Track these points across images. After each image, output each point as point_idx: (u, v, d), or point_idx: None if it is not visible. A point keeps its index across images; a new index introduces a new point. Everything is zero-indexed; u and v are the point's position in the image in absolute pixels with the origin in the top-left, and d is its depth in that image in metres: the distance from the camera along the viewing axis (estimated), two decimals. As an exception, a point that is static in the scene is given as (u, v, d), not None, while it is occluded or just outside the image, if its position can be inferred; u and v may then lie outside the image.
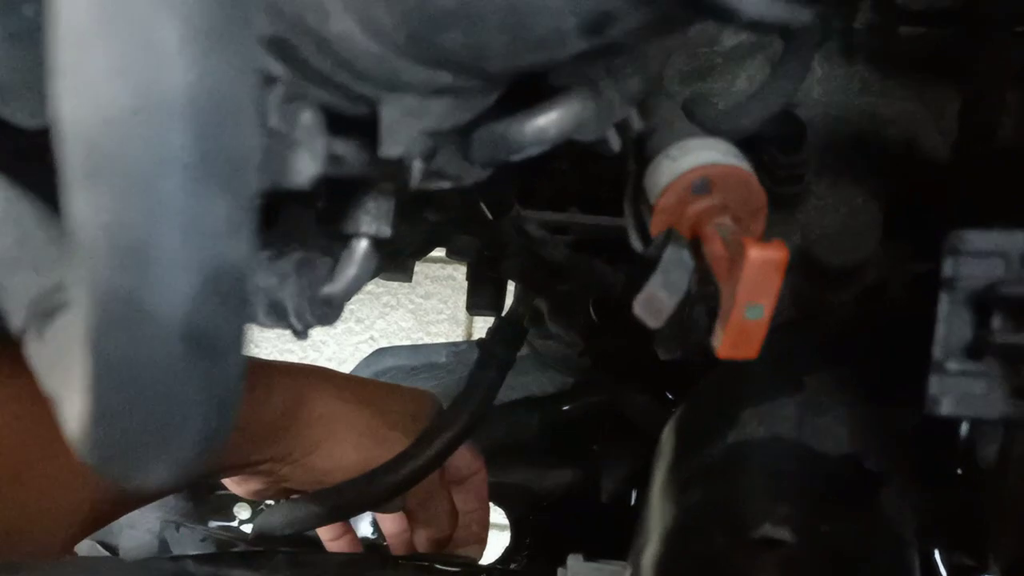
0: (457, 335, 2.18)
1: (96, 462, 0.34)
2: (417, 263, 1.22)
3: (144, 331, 0.28)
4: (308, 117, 0.46)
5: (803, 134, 1.09)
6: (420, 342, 2.18)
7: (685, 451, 0.69)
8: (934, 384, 0.52)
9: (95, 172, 0.27)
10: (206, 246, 0.28)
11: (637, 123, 0.67)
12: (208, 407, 0.31)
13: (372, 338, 2.19)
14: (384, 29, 0.41)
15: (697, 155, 0.67)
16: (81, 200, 0.27)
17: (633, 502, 1.55)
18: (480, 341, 1.29)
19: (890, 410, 0.73)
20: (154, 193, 0.27)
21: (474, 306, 1.31)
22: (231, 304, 0.29)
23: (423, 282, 2.21)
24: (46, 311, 0.41)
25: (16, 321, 0.44)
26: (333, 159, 0.49)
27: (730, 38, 1.08)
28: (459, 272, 2.01)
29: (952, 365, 0.51)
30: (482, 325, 1.28)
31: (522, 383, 1.60)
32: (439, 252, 1.36)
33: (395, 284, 2.19)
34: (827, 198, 1.13)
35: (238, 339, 0.30)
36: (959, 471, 0.75)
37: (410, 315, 2.23)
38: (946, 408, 0.51)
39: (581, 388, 1.58)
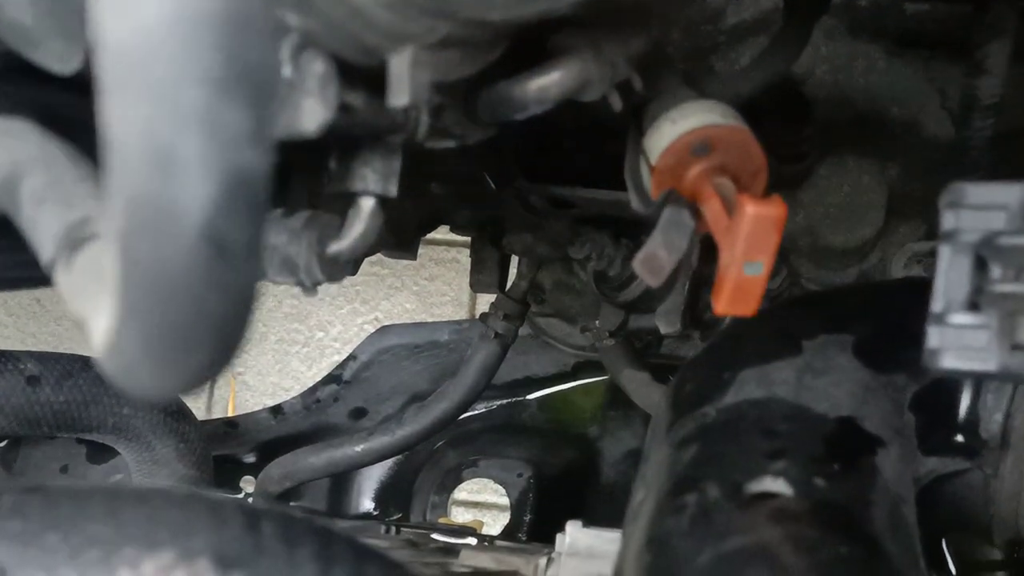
0: (461, 317, 2.19)
1: (121, 370, 0.35)
2: (422, 246, 1.23)
3: (169, 232, 0.30)
4: (320, 66, 0.47)
5: (808, 111, 1.09)
6: (424, 323, 2.19)
7: (682, 411, 0.69)
8: (934, 337, 0.52)
9: (129, 82, 0.28)
10: (228, 153, 0.29)
11: (639, 84, 0.67)
12: (226, 308, 0.31)
13: (377, 319, 2.20)
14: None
15: (697, 117, 0.67)
16: (116, 108, 0.29)
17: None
18: (482, 316, 1.30)
19: (889, 375, 0.73)
20: (182, 101, 0.28)
21: (478, 283, 1.32)
22: (250, 210, 0.30)
23: (428, 264, 2.22)
24: (74, 242, 0.43)
25: (46, 253, 0.45)
26: (343, 108, 0.49)
27: (733, 16, 1.08)
28: (463, 255, 2.01)
29: (952, 318, 0.51)
30: (486, 306, 1.29)
31: (523, 362, 1.61)
32: (444, 235, 1.37)
33: (400, 266, 2.19)
34: (831, 177, 1.13)
35: (255, 245, 0.31)
36: (960, 439, 0.75)
37: (414, 297, 2.23)
38: (946, 361, 0.51)
39: (581, 368, 1.58)
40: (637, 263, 0.65)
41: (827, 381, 0.68)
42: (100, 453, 1.59)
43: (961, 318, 0.51)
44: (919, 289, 0.68)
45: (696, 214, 0.66)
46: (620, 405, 1.57)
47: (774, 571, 0.48)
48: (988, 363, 0.50)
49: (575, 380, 1.62)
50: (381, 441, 1.33)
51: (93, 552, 0.41)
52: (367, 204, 0.65)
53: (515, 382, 1.62)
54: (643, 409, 1.35)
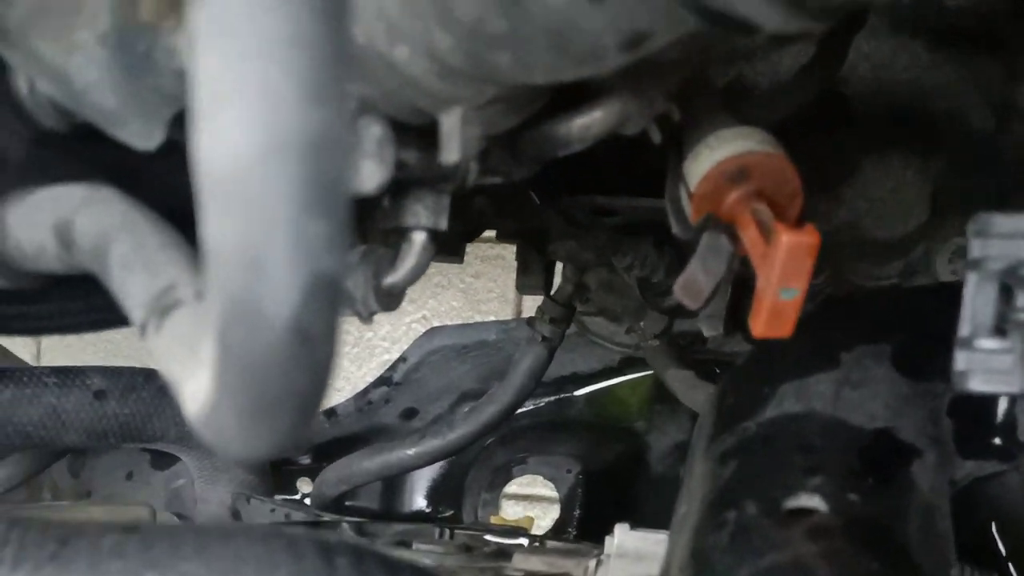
0: (507, 314, 2.22)
1: (216, 437, 0.40)
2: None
3: (261, 328, 0.35)
4: (377, 130, 0.51)
5: (847, 110, 1.11)
6: (470, 321, 2.22)
7: (724, 425, 0.72)
8: (961, 360, 0.55)
9: (225, 201, 0.33)
10: (310, 260, 0.33)
11: (677, 115, 0.70)
12: (309, 387, 0.36)
13: (424, 317, 2.24)
14: (442, 53, 0.45)
15: (734, 144, 0.70)
16: (213, 224, 0.34)
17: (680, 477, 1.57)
18: (529, 320, 1.33)
19: (926, 383, 0.75)
20: (271, 218, 0.33)
21: (523, 286, 1.35)
22: (330, 305, 0.35)
23: (473, 262, 2.25)
24: (162, 308, 0.47)
25: (136, 318, 0.49)
26: (398, 165, 0.53)
27: (771, 24, 1.10)
28: (508, 252, 2.04)
29: (979, 343, 0.54)
30: (531, 303, 1.32)
31: (569, 359, 1.63)
32: (489, 232, 1.40)
33: (446, 265, 2.23)
34: (874, 172, 1.15)
35: (334, 332, 0.36)
36: (997, 442, 0.77)
37: (461, 295, 2.26)
38: (973, 384, 0.54)
39: (627, 363, 1.61)
40: (677, 287, 0.68)
41: (864, 393, 0.70)
42: (163, 460, 1.65)
43: (987, 343, 0.54)
44: (955, 294, 0.71)
45: (734, 238, 0.69)
46: (666, 400, 1.58)
47: (810, 587, 0.51)
48: (1012, 385, 0.53)
49: (621, 376, 1.64)
50: (433, 444, 1.38)
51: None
52: (419, 238, 0.69)
53: (562, 379, 1.65)
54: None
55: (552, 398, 1.66)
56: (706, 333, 1.12)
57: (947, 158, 1.15)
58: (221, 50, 0.31)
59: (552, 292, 1.32)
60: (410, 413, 1.70)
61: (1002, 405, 0.78)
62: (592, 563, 0.92)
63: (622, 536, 0.93)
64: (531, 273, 1.33)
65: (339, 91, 0.32)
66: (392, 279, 0.70)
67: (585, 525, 1.57)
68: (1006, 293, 0.55)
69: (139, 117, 0.54)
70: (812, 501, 0.57)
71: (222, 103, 0.31)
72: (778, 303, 0.63)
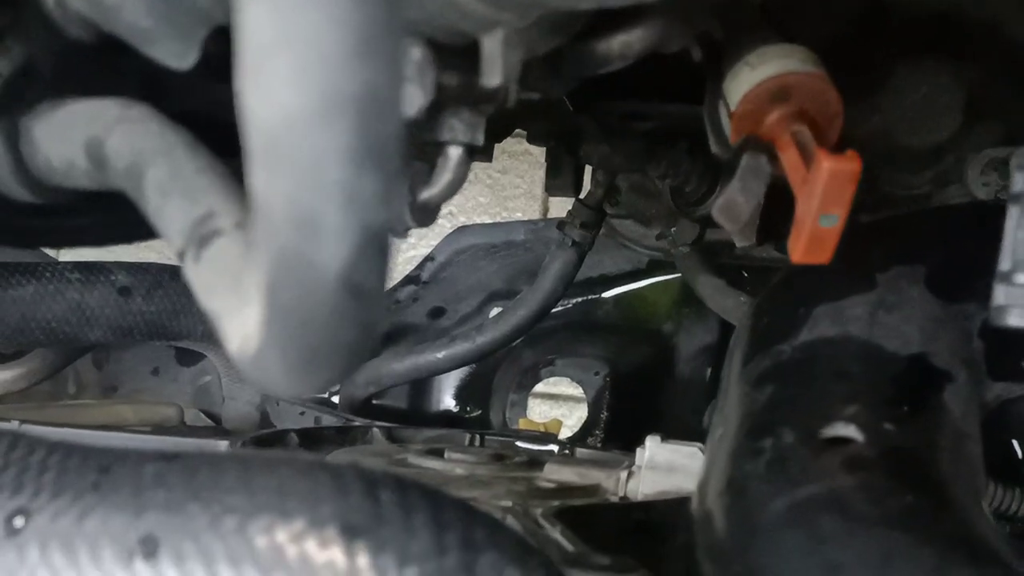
0: (534, 210, 2.21)
1: (261, 377, 0.41)
2: (494, 138, 1.25)
3: (313, 283, 0.35)
4: (417, 53, 0.50)
5: (883, 18, 1.09)
6: (497, 217, 2.21)
7: (759, 346, 0.72)
8: (1000, 295, 0.55)
9: (275, 158, 0.33)
10: (362, 216, 0.34)
11: (718, 31, 0.69)
12: (358, 338, 0.37)
13: (451, 212, 2.23)
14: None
15: (775, 63, 0.69)
16: (263, 180, 0.33)
17: (707, 379, 1.58)
18: (559, 223, 1.33)
19: (959, 305, 0.75)
20: (322, 175, 0.33)
21: (553, 187, 1.34)
22: (380, 259, 0.35)
23: (500, 157, 2.23)
24: (201, 237, 0.47)
25: (174, 245, 0.49)
26: (439, 88, 0.53)
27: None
28: (536, 147, 2.03)
29: (1019, 277, 0.54)
30: (559, 201, 1.31)
31: (598, 260, 1.62)
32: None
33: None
34: (908, 78, 1.13)
35: (383, 286, 0.36)
36: (1029, 364, 0.77)
37: (488, 190, 2.26)
38: (1012, 319, 0.54)
39: (655, 267, 1.60)
40: (716, 209, 0.67)
41: (899, 317, 0.70)
42: (189, 356, 1.66)
43: (1024, 278, 0.54)
44: (991, 214, 0.70)
45: (774, 159, 0.68)
46: (694, 301, 1.57)
47: (845, 520, 0.52)
48: (1053, 321, 0.53)
49: (649, 277, 1.64)
50: (462, 347, 1.39)
51: (231, 521, 0.45)
52: (455, 153, 0.68)
53: (590, 280, 1.64)
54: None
55: (580, 299, 1.66)
56: (738, 244, 1.12)
57: (982, 65, 1.13)
58: (268, 2, 0.30)
59: (582, 196, 1.31)
60: (438, 312, 1.70)
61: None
62: (623, 474, 0.93)
63: (653, 448, 0.94)
64: (561, 175, 1.32)
65: (392, 43, 0.31)
66: (428, 194, 0.70)
67: (612, 427, 1.58)
68: (1050, 227, 0.54)
69: (173, 36, 0.53)
70: (848, 431, 0.57)
71: (270, 56, 0.31)
72: (818, 229, 0.62)
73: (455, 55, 0.55)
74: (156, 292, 1.44)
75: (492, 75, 0.54)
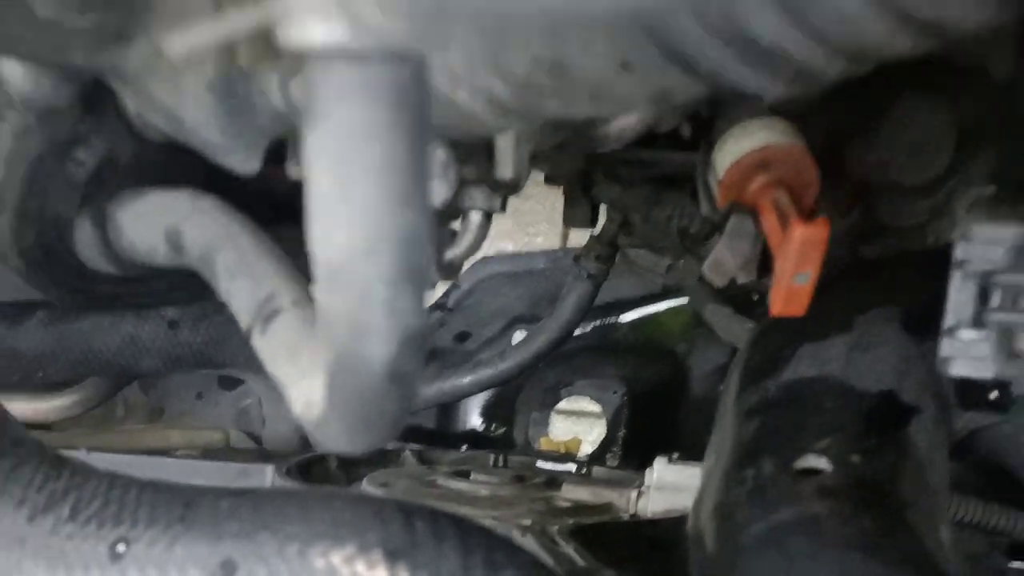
0: (555, 235, 2.29)
1: (321, 436, 0.52)
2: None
3: (365, 373, 0.45)
4: (441, 154, 0.60)
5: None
6: (520, 241, 2.30)
7: (749, 380, 0.82)
8: (946, 347, 0.64)
9: (335, 283, 0.43)
10: (402, 323, 0.44)
11: (705, 109, 0.79)
12: (399, 411, 0.47)
13: (475, 238, 2.31)
14: (497, 98, 0.54)
15: (758, 136, 0.79)
16: (326, 298, 0.43)
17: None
18: (575, 257, 1.42)
19: (931, 342, 0.84)
20: (371, 297, 0.42)
21: (570, 219, 1.43)
22: (417, 352, 0.45)
23: (521, 183, 2.31)
24: (266, 315, 0.57)
25: (242, 322, 0.60)
26: (460, 180, 0.63)
27: None
28: (555, 176, 2.10)
29: (960, 333, 0.63)
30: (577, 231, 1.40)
31: (614, 286, 1.70)
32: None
33: (495, 189, 2.29)
34: (904, 116, 1.21)
35: (419, 372, 0.45)
36: (993, 396, 0.86)
37: (509, 218, 2.34)
38: (954, 369, 0.64)
39: (669, 292, 1.68)
40: (706, 267, 0.77)
41: (873, 356, 0.80)
42: (230, 380, 1.74)
43: (967, 334, 0.63)
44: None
45: (758, 221, 0.78)
46: (706, 324, 1.66)
47: (811, 542, 0.61)
48: (987, 372, 0.62)
49: (663, 301, 1.72)
50: (486, 373, 1.49)
51: (294, 546, 0.56)
52: (476, 218, 0.78)
53: (607, 305, 1.72)
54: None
55: (598, 323, 1.74)
56: (739, 282, 1.21)
57: (972, 105, 1.21)
58: (329, 171, 0.40)
59: (597, 230, 1.40)
60: (463, 336, 1.78)
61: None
62: (634, 494, 1.03)
63: (661, 469, 1.03)
64: (577, 210, 1.41)
65: (422, 198, 0.41)
66: (452, 254, 0.80)
67: (630, 443, 1.66)
68: (983, 292, 0.63)
69: (240, 148, 0.63)
70: (819, 462, 0.67)
71: (331, 210, 0.41)
72: (793, 287, 0.72)
73: (473, 151, 0.65)
74: (201, 324, 1.53)
75: (505, 168, 0.64)
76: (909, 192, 1.26)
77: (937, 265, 0.95)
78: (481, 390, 1.55)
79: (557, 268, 1.75)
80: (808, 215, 0.75)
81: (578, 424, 1.88)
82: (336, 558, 0.55)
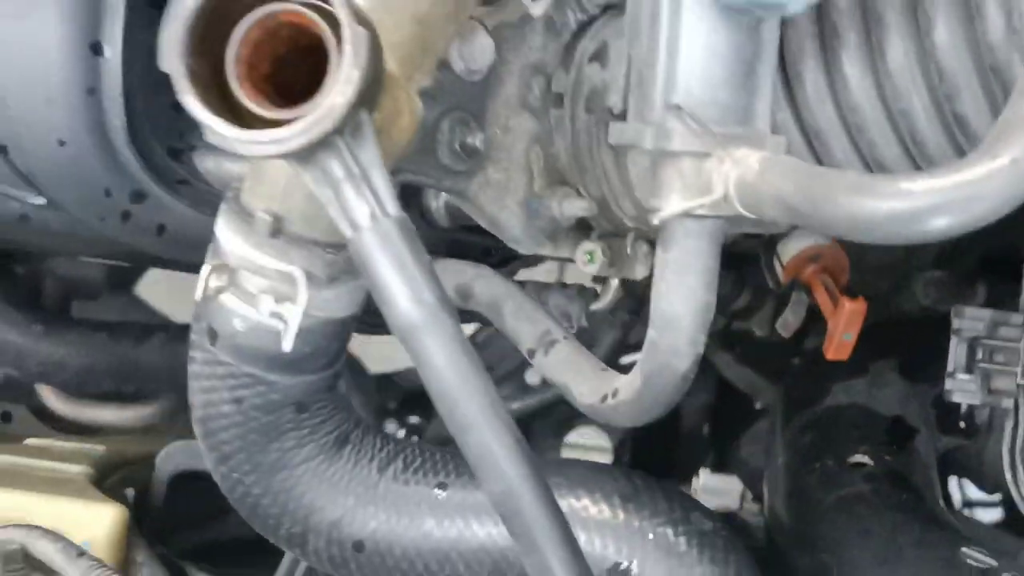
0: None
1: (615, 416, 0.85)
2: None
3: (672, 377, 0.79)
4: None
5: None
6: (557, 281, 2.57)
7: (795, 409, 1.17)
8: (948, 384, 1.00)
9: (669, 326, 0.76)
10: (696, 350, 0.78)
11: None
12: (675, 402, 0.81)
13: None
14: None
15: (810, 237, 1.14)
16: (657, 334, 0.77)
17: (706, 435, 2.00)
18: (611, 309, 1.76)
19: (921, 384, 1.20)
20: (685, 332, 0.77)
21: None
22: (697, 368, 0.78)
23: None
24: (547, 343, 0.91)
25: (525, 349, 0.93)
26: None
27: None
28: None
29: (958, 375, 0.99)
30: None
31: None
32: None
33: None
34: None
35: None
36: (962, 425, 1.22)
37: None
38: (955, 398, 0.99)
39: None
40: (778, 325, 1.12)
41: (885, 392, 1.15)
42: None
43: (961, 376, 0.99)
44: (940, 325, 1.15)
45: (810, 294, 1.13)
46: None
47: (868, 507, 0.96)
48: (975, 400, 0.98)
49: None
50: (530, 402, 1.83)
51: (560, 492, 0.89)
52: (614, 283, 1.12)
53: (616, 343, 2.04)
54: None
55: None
56: (758, 333, 1.56)
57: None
58: (675, 274, 0.74)
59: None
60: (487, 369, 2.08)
61: (964, 404, 1.23)
62: (684, 495, 1.37)
63: (705, 477, 1.37)
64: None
65: (713, 289, 0.75)
66: (596, 306, 1.13)
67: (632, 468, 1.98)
68: (972, 349, 0.99)
69: (530, 240, 0.95)
70: (864, 459, 1.02)
71: (672, 296, 0.76)
72: (842, 342, 1.06)
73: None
74: None
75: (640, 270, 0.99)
76: (876, 271, 1.63)
77: (923, 330, 1.31)
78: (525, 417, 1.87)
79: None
80: (844, 291, 1.10)
81: (586, 456, 2.19)
82: (585, 500, 0.88)
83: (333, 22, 0.63)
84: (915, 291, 1.59)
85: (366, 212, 0.65)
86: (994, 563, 0.88)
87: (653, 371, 0.78)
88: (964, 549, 0.89)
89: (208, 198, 1.00)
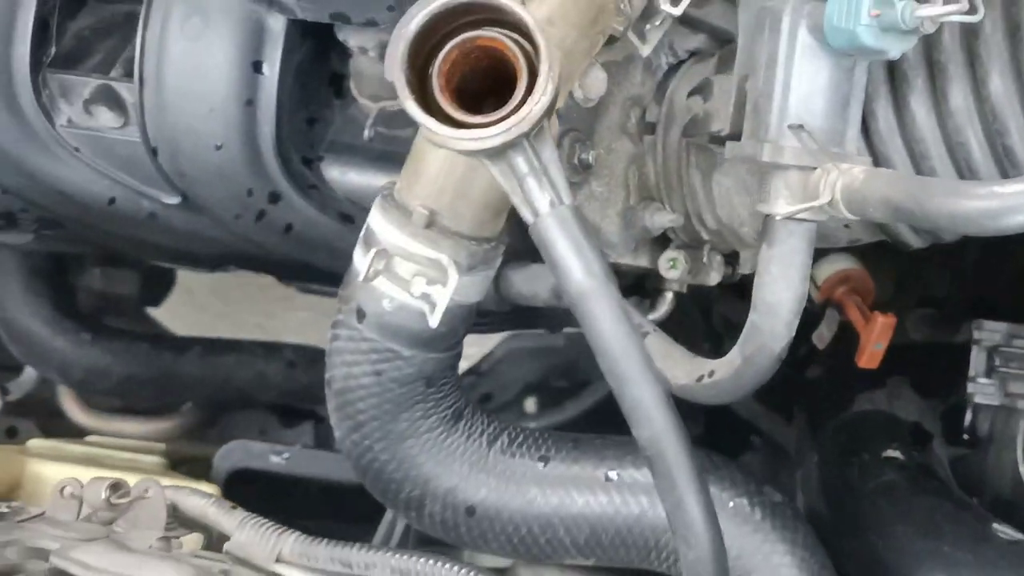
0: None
1: (714, 394, 0.98)
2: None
3: (768, 359, 0.92)
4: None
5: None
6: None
7: (824, 416, 1.32)
8: (970, 387, 1.15)
9: (771, 313, 0.90)
10: (788, 336, 0.92)
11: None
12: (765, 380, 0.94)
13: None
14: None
15: (841, 262, 1.29)
16: (759, 317, 0.90)
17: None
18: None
19: (929, 400, 1.36)
20: (784, 320, 0.90)
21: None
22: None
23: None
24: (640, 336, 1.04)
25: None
26: None
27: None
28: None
29: (979, 379, 1.14)
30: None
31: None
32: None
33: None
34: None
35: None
36: (966, 436, 1.37)
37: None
38: (977, 399, 1.14)
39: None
40: (814, 338, 1.27)
41: (902, 402, 1.31)
42: (290, 419, 1.99)
43: (983, 380, 1.14)
44: (944, 350, 1.31)
45: (841, 312, 1.27)
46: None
47: (905, 492, 1.10)
48: (994, 401, 1.13)
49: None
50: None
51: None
52: (669, 296, 1.26)
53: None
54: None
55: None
56: (818, 345, 1.70)
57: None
58: (779, 271, 0.88)
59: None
60: (486, 398, 2.10)
61: (968, 415, 1.38)
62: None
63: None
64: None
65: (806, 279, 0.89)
66: (653, 316, 1.26)
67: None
68: (990, 356, 1.15)
69: (623, 246, 1.07)
70: (896, 453, 1.16)
71: (774, 292, 0.89)
72: (873, 351, 1.21)
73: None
74: (313, 367, 1.85)
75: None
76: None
77: (933, 352, 1.47)
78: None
79: (573, 345, 2.18)
80: (872, 309, 1.25)
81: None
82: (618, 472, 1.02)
83: (519, 47, 0.78)
84: (906, 326, 1.76)
85: (546, 200, 0.79)
86: (1022, 537, 1.02)
87: (753, 351, 0.91)
88: (995, 524, 1.03)
89: (331, 203, 1.13)
